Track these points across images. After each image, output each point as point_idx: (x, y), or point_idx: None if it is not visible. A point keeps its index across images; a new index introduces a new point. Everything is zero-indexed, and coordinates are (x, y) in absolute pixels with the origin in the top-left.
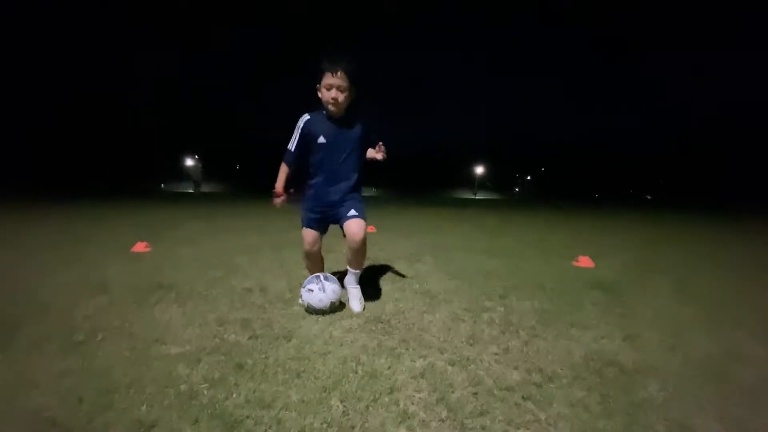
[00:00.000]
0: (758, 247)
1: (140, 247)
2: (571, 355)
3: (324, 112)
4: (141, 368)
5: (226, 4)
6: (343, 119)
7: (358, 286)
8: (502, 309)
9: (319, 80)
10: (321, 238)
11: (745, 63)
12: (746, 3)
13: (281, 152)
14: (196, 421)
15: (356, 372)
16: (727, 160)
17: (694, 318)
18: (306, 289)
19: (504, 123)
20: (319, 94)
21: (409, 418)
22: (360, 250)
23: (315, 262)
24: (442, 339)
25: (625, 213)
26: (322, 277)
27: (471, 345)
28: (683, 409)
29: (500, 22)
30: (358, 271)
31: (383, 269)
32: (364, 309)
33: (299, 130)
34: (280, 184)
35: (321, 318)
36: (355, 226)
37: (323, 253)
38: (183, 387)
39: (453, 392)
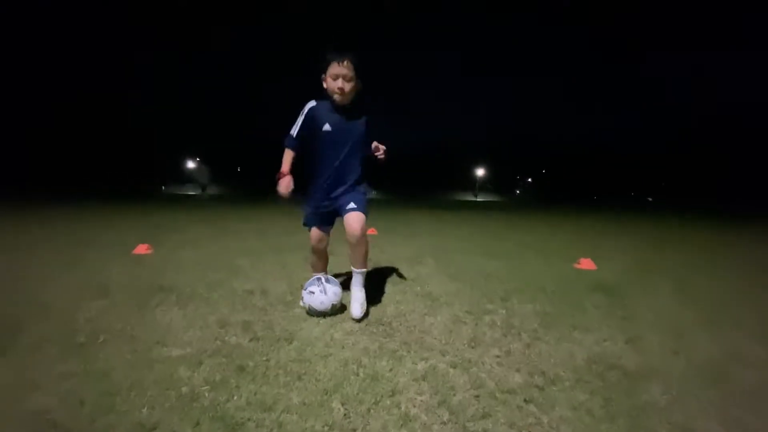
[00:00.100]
0: (759, 249)
1: (142, 249)
2: (574, 357)
3: (329, 101)
4: (142, 370)
5: (226, 4)
6: (348, 110)
7: (363, 290)
8: (504, 311)
9: (324, 70)
10: (329, 235)
11: (745, 63)
12: (746, 3)
13: (282, 155)
14: (198, 423)
15: (357, 374)
16: (727, 161)
17: (695, 320)
18: (307, 291)
19: (504, 125)
20: (324, 84)
21: (410, 420)
22: (358, 244)
23: (320, 258)
24: (443, 341)
25: (627, 215)
26: (323, 279)
27: (473, 348)
28: (686, 412)
29: (500, 22)
30: (361, 270)
31: (384, 271)
32: (364, 315)
33: (303, 116)
34: (285, 166)
35: (322, 320)
36: (352, 220)
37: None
38: (184, 389)
39: (455, 395)
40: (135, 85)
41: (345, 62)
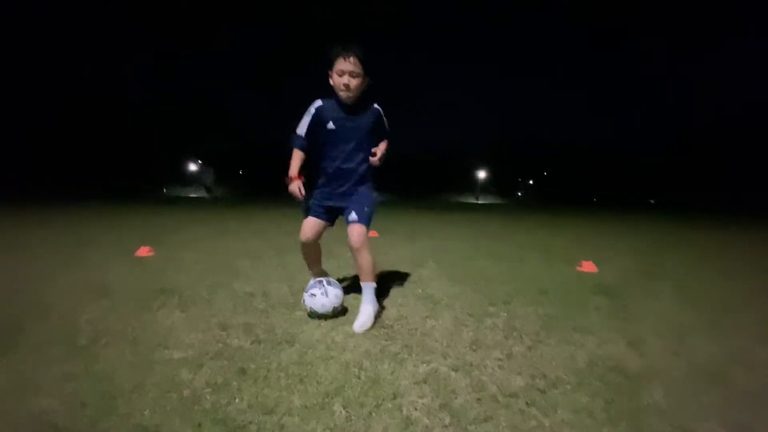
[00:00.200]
0: (761, 251)
1: (144, 251)
2: (575, 360)
3: (336, 99)
4: (144, 373)
5: (226, 4)
6: (354, 108)
7: (370, 305)
8: (506, 314)
9: (330, 66)
10: (322, 230)
11: (746, 63)
12: (746, 3)
13: (285, 157)
14: (199, 426)
15: (359, 377)
16: (727, 161)
17: (697, 322)
18: (309, 293)
19: (505, 127)
20: (331, 81)
21: (412, 424)
22: (359, 256)
23: (309, 254)
24: (445, 344)
25: (628, 217)
26: (324, 282)
27: (474, 350)
28: (687, 414)
29: (500, 22)
30: (367, 284)
31: (386, 274)
32: (365, 329)
33: (310, 115)
34: (294, 169)
35: (323, 323)
36: (353, 233)
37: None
38: (186, 392)
39: (456, 398)
40: (135, 85)
41: (351, 58)
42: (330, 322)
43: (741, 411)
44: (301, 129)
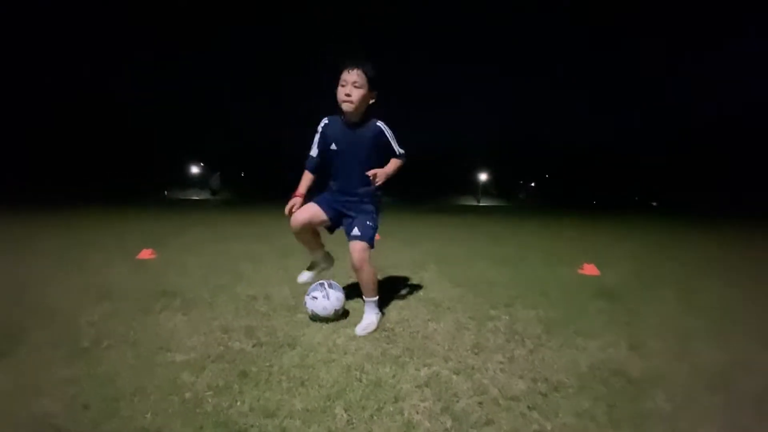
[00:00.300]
0: (763, 253)
1: (146, 253)
2: (577, 364)
3: (341, 117)
4: (146, 376)
5: (226, 4)
6: (357, 124)
7: (372, 314)
8: (507, 317)
9: (336, 81)
10: (316, 222)
11: (746, 63)
12: (746, 3)
13: (286, 160)
14: (201, 429)
15: (360, 380)
16: (727, 161)
17: (700, 326)
18: (310, 296)
19: (505, 127)
20: (337, 97)
21: (413, 427)
22: (360, 273)
23: (302, 242)
24: (446, 347)
25: (630, 219)
26: (326, 285)
27: (476, 354)
28: (690, 419)
29: (500, 22)
30: (369, 299)
31: (387, 277)
32: (367, 333)
33: (318, 134)
34: (300, 188)
35: (325, 326)
36: (354, 252)
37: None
38: (187, 395)
39: (458, 401)
40: (135, 85)
41: (354, 70)
42: (331, 325)
43: (744, 415)
44: (313, 150)
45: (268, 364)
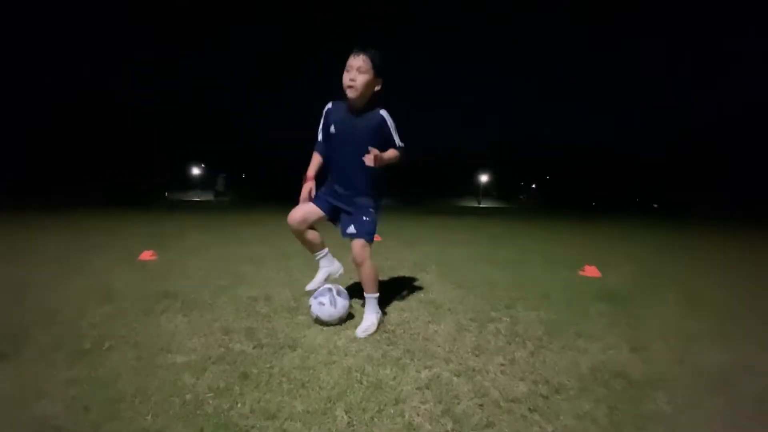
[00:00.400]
0: (764, 254)
1: (147, 255)
2: (578, 366)
3: (344, 102)
4: (147, 377)
5: (226, 4)
6: (359, 110)
7: (373, 314)
8: (508, 319)
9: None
10: (313, 219)
11: (746, 63)
12: (746, 3)
13: (287, 161)
14: (201, 430)
15: (361, 382)
16: (727, 161)
17: (701, 328)
18: (317, 300)
19: (505, 127)
20: (343, 81)
21: (414, 429)
22: (361, 270)
23: (300, 240)
24: (447, 349)
25: (631, 221)
26: (334, 292)
27: (477, 355)
28: (692, 421)
29: (500, 22)
30: (369, 295)
31: (388, 279)
32: (368, 335)
33: (323, 117)
34: (311, 170)
35: (326, 327)
36: (354, 249)
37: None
38: (188, 396)
39: (459, 403)
40: (135, 85)
41: (360, 55)
42: (332, 326)
43: (746, 418)
44: (319, 135)
45: (268, 365)
